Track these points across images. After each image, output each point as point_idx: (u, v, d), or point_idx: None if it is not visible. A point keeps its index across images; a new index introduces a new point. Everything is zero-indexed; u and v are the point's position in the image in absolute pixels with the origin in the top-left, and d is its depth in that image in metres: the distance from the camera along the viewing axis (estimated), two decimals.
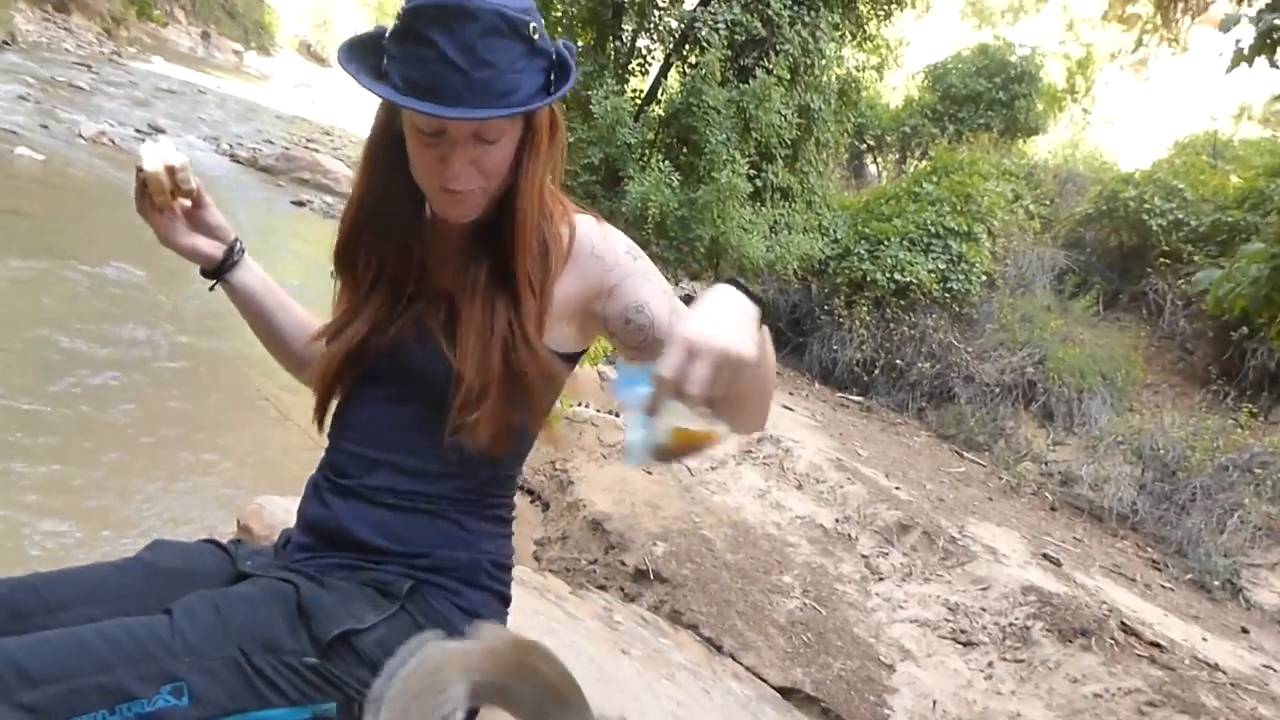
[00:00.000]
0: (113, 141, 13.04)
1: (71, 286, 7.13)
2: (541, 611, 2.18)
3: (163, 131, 15.26)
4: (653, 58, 12.67)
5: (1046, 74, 19.19)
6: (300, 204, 13.79)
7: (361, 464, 1.35)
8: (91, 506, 4.30)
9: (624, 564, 5.64)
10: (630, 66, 12.06)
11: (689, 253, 10.01)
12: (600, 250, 1.32)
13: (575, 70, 1.24)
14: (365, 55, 1.19)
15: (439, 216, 1.31)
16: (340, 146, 23.98)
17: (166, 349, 6.84)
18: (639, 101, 11.29)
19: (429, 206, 1.34)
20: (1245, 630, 6.57)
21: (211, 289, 1.51)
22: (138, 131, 14.32)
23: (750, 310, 1.08)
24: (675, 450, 1.08)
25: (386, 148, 1.29)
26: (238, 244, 1.49)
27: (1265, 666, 5.84)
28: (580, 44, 12.29)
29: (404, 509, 1.33)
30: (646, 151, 10.61)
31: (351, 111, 25.53)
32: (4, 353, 5.64)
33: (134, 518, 4.35)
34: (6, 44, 18.47)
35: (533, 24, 1.17)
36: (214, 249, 1.47)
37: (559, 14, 11.85)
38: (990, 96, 18.82)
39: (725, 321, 1.02)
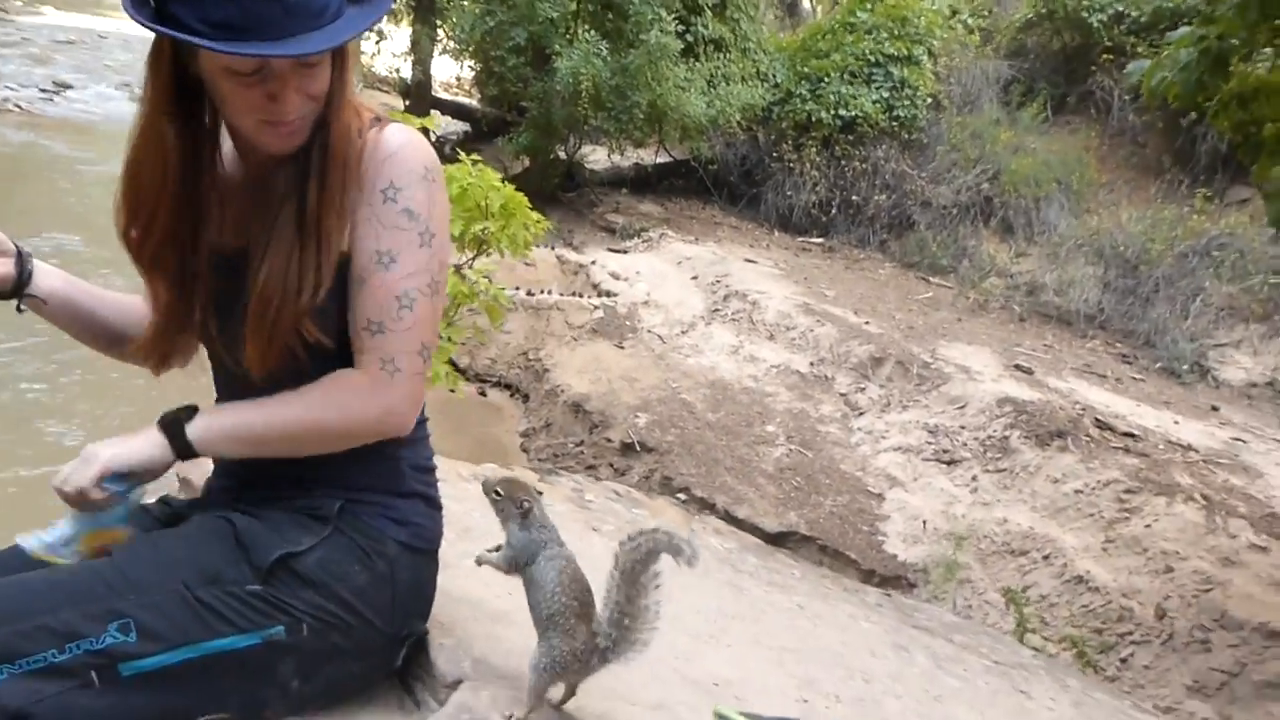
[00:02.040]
0: (19, 106, 12.44)
1: None
2: None
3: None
4: None
5: None
6: None
7: None
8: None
9: (609, 440, 5.74)
10: None
11: (628, 121, 9.79)
12: (370, 176, 1.22)
13: None
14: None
15: (253, 154, 1.23)
16: None
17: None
18: None
19: (229, 148, 1.26)
20: (1215, 408, 6.79)
21: (20, 311, 1.34)
22: (43, 91, 13.66)
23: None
24: (93, 552, 1.25)
25: (181, 100, 1.16)
26: (22, 250, 1.33)
27: (1235, 439, 6.06)
28: None
29: None
30: (571, 24, 10.25)
31: None
32: None
33: None
34: None
35: None
36: (3, 267, 1.30)
37: None
38: None
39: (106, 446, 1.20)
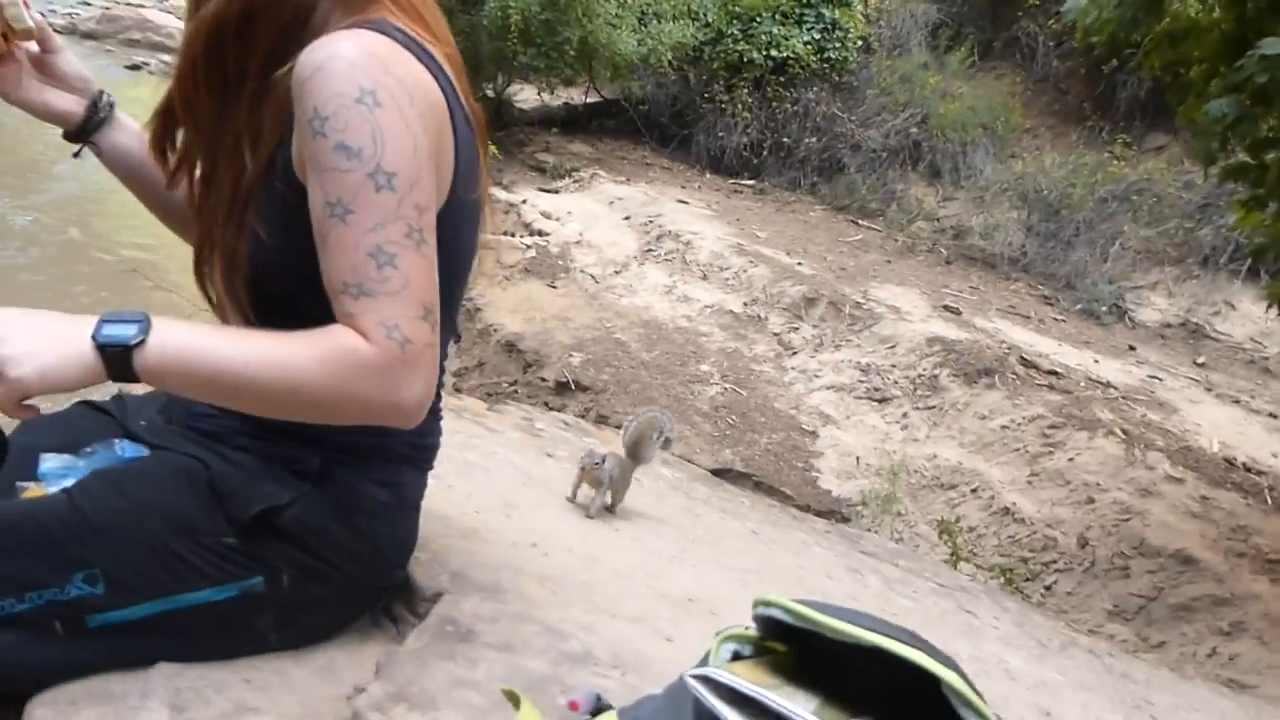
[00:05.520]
0: None
1: None
2: (459, 430, 2.15)
3: None
4: None
5: None
6: (135, 67, 12.87)
7: None
8: None
9: (544, 380, 5.69)
10: None
11: (558, 58, 9.59)
12: (298, 102, 0.99)
13: None
14: None
15: None
16: None
17: (25, 234, 6.45)
18: None
19: None
20: (1132, 347, 7.01)
21: (77, 154, 1.28)
22: None
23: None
24: None
25: None
26: (103, 97, 1.26)
27: (1151, 377, 6.27)
28: None
29: None
30: None
31: None
32: None
33: None
34: None
35: None
36: (73, 105, 1.25)
37: None
38: None
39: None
